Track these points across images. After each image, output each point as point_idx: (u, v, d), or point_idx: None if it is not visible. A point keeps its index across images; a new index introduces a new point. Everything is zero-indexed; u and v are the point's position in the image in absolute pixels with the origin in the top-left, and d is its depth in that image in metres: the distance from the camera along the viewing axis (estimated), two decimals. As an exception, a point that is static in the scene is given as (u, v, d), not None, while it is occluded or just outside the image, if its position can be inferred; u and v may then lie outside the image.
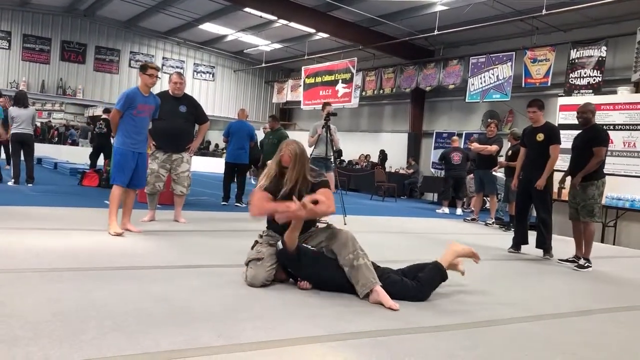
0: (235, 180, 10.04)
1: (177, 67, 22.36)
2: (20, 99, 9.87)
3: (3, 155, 10.27)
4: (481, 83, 15.07)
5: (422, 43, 17.19)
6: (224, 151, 13.84)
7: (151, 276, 3.82)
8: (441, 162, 12.72)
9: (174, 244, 5.27)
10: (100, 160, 12.26)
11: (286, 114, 25.04)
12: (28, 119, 9.78)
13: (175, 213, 6.85)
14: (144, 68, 5.68)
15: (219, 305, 3.19)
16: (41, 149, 18.38)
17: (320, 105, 20.55)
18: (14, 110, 9.75)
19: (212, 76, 23.93)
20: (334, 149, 8.52)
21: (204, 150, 27.02)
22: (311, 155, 8.29)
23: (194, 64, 23.55)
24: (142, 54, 21.92)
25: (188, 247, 5.13)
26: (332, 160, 8.38)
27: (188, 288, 3.54)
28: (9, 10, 19.40)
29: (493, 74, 14.75)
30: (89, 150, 13.67)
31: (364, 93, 19.12)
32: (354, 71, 18.40)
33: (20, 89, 17.61)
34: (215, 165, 19.79)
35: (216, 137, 28.22)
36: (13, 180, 9.79)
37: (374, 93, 18.95)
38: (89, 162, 13.02)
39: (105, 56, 21.46)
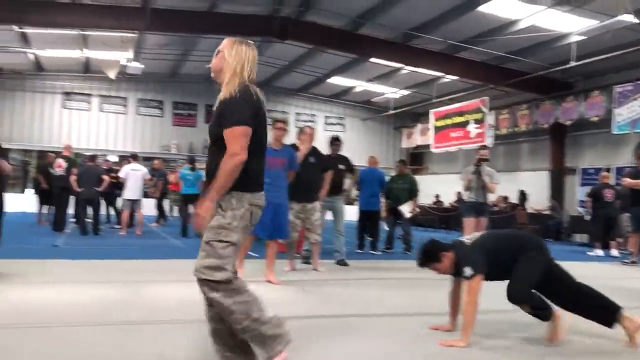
0: (368, 227, 10.02)
1: (309, 121, 23.27)
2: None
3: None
4: (630, 112, 13.87)
5: (558, 76, 16.31)
6: (356, 199, 14.00)
7: (291, 327, 3.89)
8: (590, 199, 11.76)
9: (314, 293, 5.36)
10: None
11: (417, 159, 24.86)
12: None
13: (313, 262, 7.00)
14: (273, 123, 6.13)
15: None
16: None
17: (452, 148, 20.24)
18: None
19: (342, 127, 24.58)
20: (487, 194, 8.11)
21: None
22: (465, 201, 8.17)
23: (325, 116, 24.40)
24: (277, 111, 23.16)
25: (328, 297, 5.19)
26: (485, 206, 8.00)
27: (334, 338, 3.55)
28: (161, 82, 21.64)
29: (643, 102, 13.53)
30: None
31: (497, 132, 18.46)
32: (485, 110, 17.88)
33: (172, 150, 20.08)
34: (348, 213, 19.99)
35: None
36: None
37: (509, 131, 18.23)
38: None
39: (244, 116, 22.98)
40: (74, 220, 12.00)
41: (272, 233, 5.89)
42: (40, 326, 3.68)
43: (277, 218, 5.86)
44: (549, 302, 3.62)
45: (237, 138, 2.63)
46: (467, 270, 3.51)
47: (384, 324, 4.17)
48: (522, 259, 3.59)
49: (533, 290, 3.57)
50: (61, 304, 4.37)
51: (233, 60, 2.79)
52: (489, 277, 3.60)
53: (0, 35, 15.22)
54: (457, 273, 3.68)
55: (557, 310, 3.65)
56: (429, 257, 3.68)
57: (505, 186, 18.92)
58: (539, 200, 17.82)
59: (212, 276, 2.60)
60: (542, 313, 3.60)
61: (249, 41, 2.90)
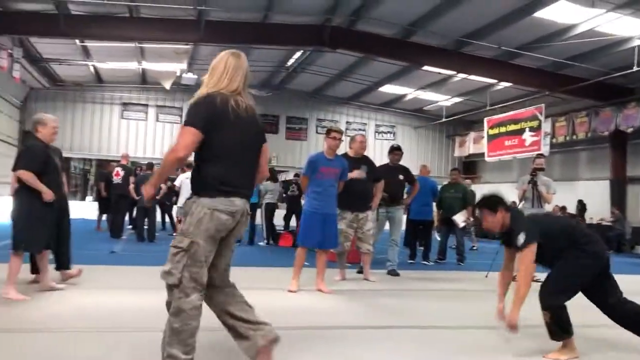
0: (420, 237, 9.88)
1: (360, 129, 23.24)
2: (273, 176, 12.21)
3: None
4: (697, 119, 13.19)
5: (619, 82, 15.70)
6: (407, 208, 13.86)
7: (341, 337, 3.86)
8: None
9: (364, 303, 5.32)
10: (293, 221, 13.00)
11: (470, 167, 24.42)
12: (276, 192, 12.14)
13: (364, 272, 6.94)
14: (327, 132, 6.07)
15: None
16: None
17: (506, 156, 19.69)
18: (269, 185, 11.83)
19: (393, 135, 24.42)
20: (543, 204, 7.83)
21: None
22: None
23: (375, 124, 24.31)
24: (327, 120, 23.25)
25: (377, 307, 5.13)
26: None
27: (381, 349, 3.50)
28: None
29: None
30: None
31: (554, 140, 17.92)
32: (541, 118, 17.38)
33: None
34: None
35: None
36: (266, 241, 11.87)
37: (566, 139, 17.66)
38: (283, 223, 13.90)
39: (295, 125, 23.22)
40: (130, 227, 12.35)
41: (322, 242, 5.87)
42: (93, 331, 3.78)
43: (326, 227, 5.83)
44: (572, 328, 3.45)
45: (180, 136, 2.75)
46: (521, 238, 3.44)
47: (436, 336, 4.07)
48: (566, 255, 3.48)
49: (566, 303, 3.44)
50: (117, 310, 4.47)
51: (210, 69, 2.95)
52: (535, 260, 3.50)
53: (64, 49, 15.94)
54: (507, 241, 3.63)
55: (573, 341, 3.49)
56: (487, 203, 3.72)
57: (562, 196, 18.28)
58: (599, 210, 17.15)
59: (166, 279, 2.78)
60: (558, 331, 3.43)
61: (236, 51, 2.98)
